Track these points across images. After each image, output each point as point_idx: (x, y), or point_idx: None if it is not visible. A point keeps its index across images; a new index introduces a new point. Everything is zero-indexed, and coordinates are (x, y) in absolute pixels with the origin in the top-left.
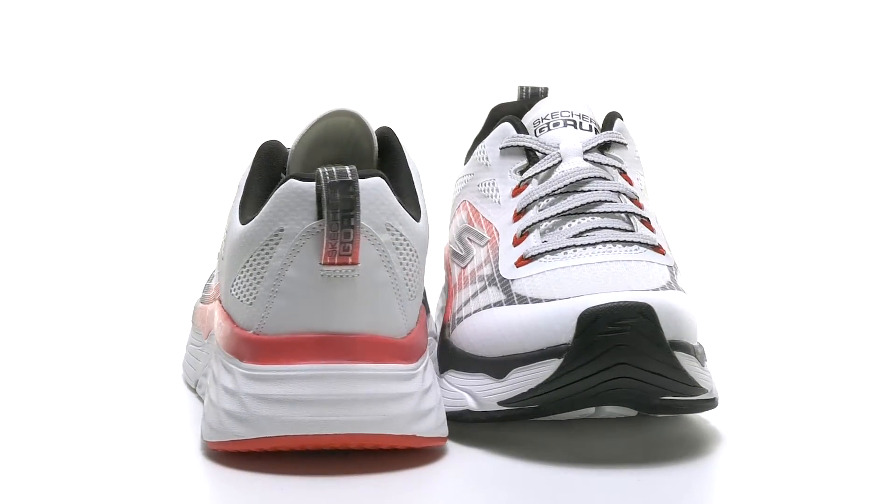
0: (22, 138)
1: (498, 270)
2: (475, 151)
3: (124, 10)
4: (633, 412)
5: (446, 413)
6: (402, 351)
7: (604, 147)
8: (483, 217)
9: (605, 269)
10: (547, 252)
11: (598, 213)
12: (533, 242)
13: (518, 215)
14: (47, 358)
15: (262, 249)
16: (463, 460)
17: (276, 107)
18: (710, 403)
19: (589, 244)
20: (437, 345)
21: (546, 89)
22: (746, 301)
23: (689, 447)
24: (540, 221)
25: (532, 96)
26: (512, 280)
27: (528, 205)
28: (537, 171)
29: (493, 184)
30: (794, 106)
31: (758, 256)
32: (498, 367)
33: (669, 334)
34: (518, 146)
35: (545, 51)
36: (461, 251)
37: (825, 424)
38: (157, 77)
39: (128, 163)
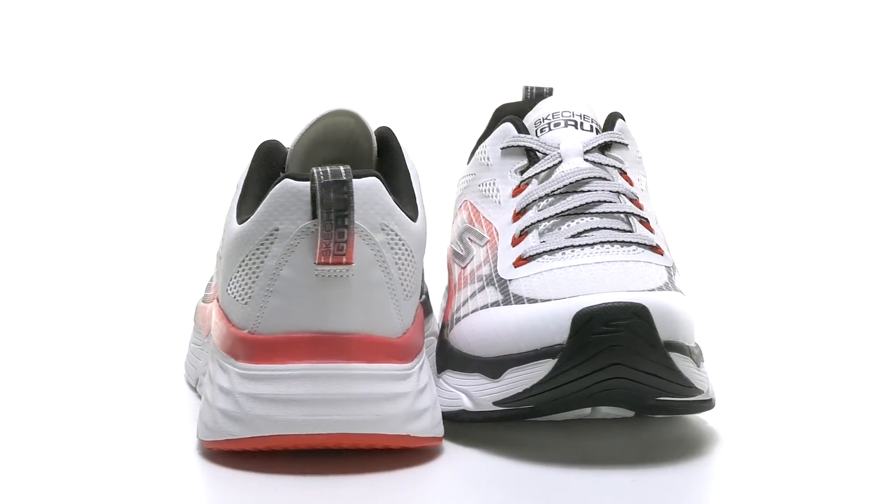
0: (25, 140)
1: (496, 270)
2: (477, 151)
3: (124, 10)
4: (629, 413)
5: (442, 413)
6: (396, 351)
7: (604, 147)
8: (483, 217)
9: (601, 270)
10: (545, 252)
11: (596, 213)
12: (531, 243)
13: (517, 215)
14: (50, 357)
15: (258, 249)
16: (459, 460)
17: (278, 106)
18: (707, 404)
19: (587, 244)
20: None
21: (551, 89)
22: (746, 302)
23: (686, 448)
24: (539, 222)
25: (537, 96)
26: (509, 280)
27: (528, 205)
28: (537, 171)
29: (494, 184)
30: (797, 107)
31: (759, 257)
32: (493, 367)
33: (664, 335)
34: (519, 146)
35: (549, 51)
36: (462, 251)
37: (822, 426)
38: (159, 77)
39: (131, 162)
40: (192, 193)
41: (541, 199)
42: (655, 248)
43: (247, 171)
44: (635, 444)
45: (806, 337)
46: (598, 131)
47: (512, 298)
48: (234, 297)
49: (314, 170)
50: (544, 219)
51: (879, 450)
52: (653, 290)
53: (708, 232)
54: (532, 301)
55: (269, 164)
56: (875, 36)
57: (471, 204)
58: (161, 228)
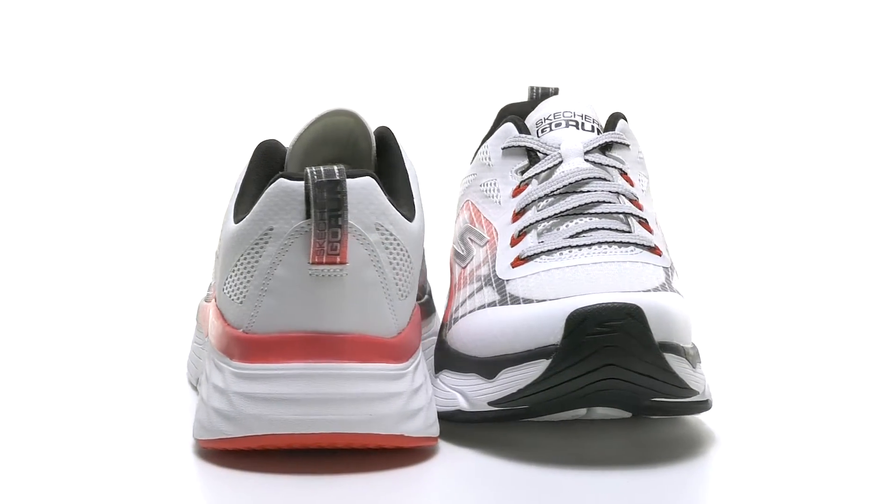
0: (27, 140)
1: (494, 271)
2: (479, 151)
3: (123, 10)
4: (626, 413)
5: (438, 413)
6: (390, 350)
7: (605, 148)
8: (484, 217)
9: (598, 270)
10: (543, 252)
11: (595, 213)
12: (529, 243)
13: (517, 216)
14: (52, 357)
15: (253, 248)
16: (454, 460)
17: (278, 106)
18: (703, 405)
19: (585, 245)
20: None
21: (557, 90)
22: (746, 303)
23: (682, 449)
24: (538, 222)
25: (542, 96)
26: (507, 280)
27: (527, 205)
28: (538, 171)
29: (495, 184)
30: (800, 110)
31: (761, 259)
32: (489, 367)
33: (659, 336)
34: (519, 146)
35: (552, 51)
36: (462, 251)
37: (820, 427)
38: (160, 77)
39: (133, 162)
40: (196, 193)
41: (540, 199)
42: (653, 249)
43: (244, 170)
44: (631, 444)
45: (805, 339)
46: (599, 132)
47: (508, 299)
48: (230, 297)
49: (308, 169)
50: (543, 219)
51: (876, 450)
52: (648, 290)
53: (710, 233)
54: (528, 301)
55: (267, 164)
56: (875, 36)
57: (472, 204)
58: (164, 228)
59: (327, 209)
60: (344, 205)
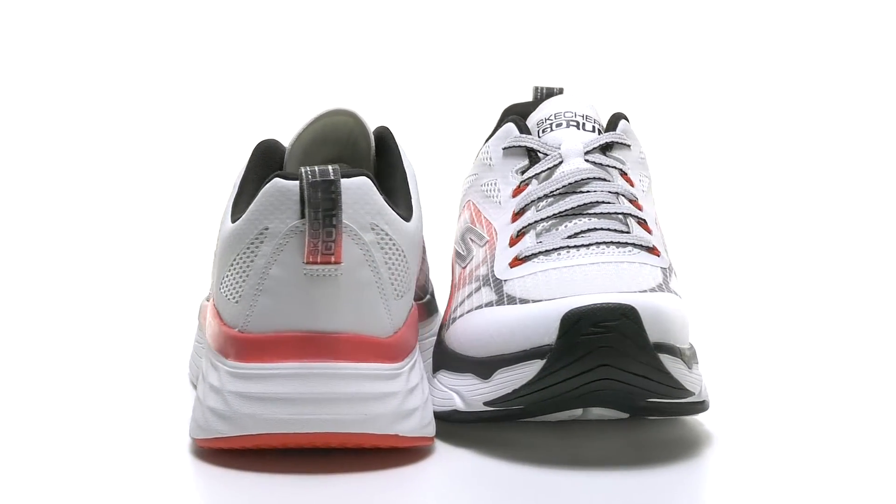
0: (28, 141)
1: (493, 271)
2: (480, 151)
3: (122, 10)
4: (623, 414)
5: (435, 413)
6: (385, 350)
7: (606, 148)
8: (484, 217)
9: (595, 271)
10: (541, 253)
11: (594, 214)
12: (528, 243)
13: (516, 216)
14: (54, 357)
15: (248, 248)
16: (450, 460)
17: (278, 106)
18: (699, 406)
19: (583, 245)
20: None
21: (561, 90)
22: (746, 304)
23: (679, 449)
24: (537, 222)
25: (547, 96)
26: (505, 280)
27: (527, 205)
28: (538, 171)
29: (495, 184)
30: (802, 111)
31: (761, 260)
32: (484, 367)
33: (654, 336)
34: (520, 146)
35: (556, 51)
36: (463, 251)
37: (817, 428)
38: (160, 77)
39: (135, 162)
40: (198, 192)
41: (540, 199)
42: (651, 250)
43: (243, 170)
44: (628, 445)
45: (803, 340)
46: (600, 132)
47: (505, 299)
48: (226, 296)
49: (302, 169)
50: (542, 219)
51: (874, 451)
52: (644, 291)
53: (711, 233)
54: (524, 301)
55: (265, 164)
56: (875, 36)
57: (473, 204)
58: (165, 227)
59: (321, 209)
60: (338, 204)
